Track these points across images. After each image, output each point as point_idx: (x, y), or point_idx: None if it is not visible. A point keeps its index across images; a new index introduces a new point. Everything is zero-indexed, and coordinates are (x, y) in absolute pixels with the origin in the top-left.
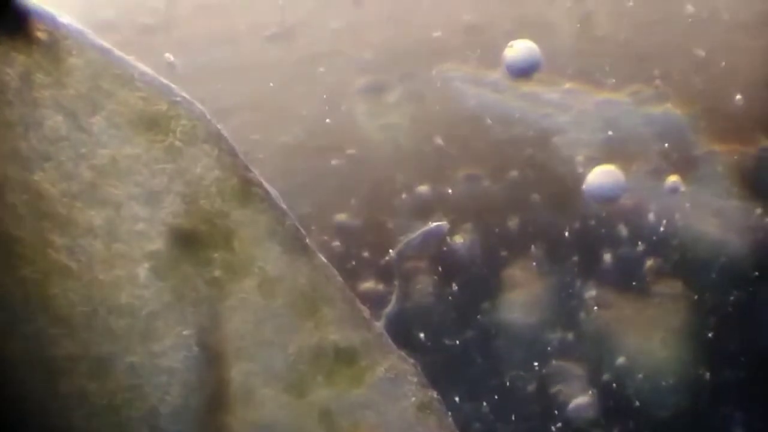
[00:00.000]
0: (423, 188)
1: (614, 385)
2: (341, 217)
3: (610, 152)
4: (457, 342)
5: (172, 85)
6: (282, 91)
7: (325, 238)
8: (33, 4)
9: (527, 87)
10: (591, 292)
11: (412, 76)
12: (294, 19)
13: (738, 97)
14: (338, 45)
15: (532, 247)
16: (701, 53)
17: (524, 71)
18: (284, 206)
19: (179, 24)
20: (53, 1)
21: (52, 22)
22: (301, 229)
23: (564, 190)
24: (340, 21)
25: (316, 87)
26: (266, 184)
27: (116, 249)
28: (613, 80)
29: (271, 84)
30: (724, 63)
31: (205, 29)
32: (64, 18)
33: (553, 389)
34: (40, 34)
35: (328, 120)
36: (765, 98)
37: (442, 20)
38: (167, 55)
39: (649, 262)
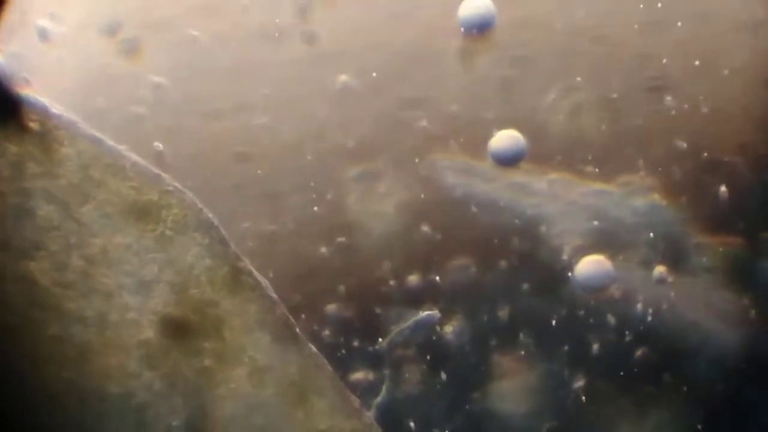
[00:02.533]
0: (412, 277)
1: None
2: (331, 306)
3: (598, 242)
4: (448, 431)
5: (163, 174)
6: (269, 178)
7: (315, 327)
8: (25, 93)
9: (515, 176)
10: (580, 382)
11: (400, 165)
12: (278, 101)
13: (723, 189)
14: (324, 132)
15: (521, 335)
16: (683, 144)
17: (510, 160)
18: (274, 295)
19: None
20: (45, 89)
21: (43, 112)
22: (291, 319)
23: (552, 279)
24: (326, 109)
25: (303, 175)
26: (256, 273)
27: (108, 338)
28: (600, 170)
29: (259, 171)
30: (706, 154)
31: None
32: (56, 108)
33: None
34: (32, 124)
35: (316, 208)
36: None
37: (429, 110)
38: (156, 144)
39: (638, 352)
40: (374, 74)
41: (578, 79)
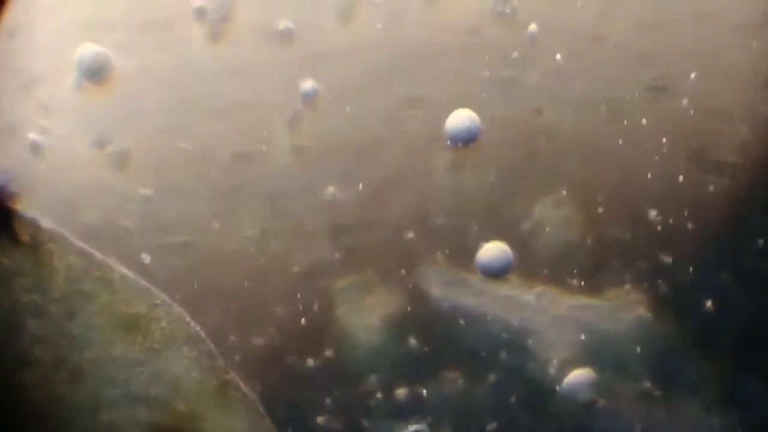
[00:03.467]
0: (400, 390)
1: None
2: (319, 419)
3: (585, 356)
4: None
5: (152, 288)
6: (257, 290)
7: None
8: (15, 208)
9: (503, 290)
10: None
11: (387, 277)
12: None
13: (708, 304)
14: (313, 244)
15: None
16: (669, 259)
17: (497, 273)
18: (262, 409)
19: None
20: (35, 202)
21: (34, 226)
22: None
23: (540, 393)
24: (314, 221)
25: (290, 287)
26: (243, 386)
27: None
28: (587, 284)
29: (246, 282)
30: (692, 269)
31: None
32: (46, 222)
33: None
34: (23, 238)
35: (303, 320)
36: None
37: (414, 222)
38: (143, 255)
39: None
40: (361, 186)
41: (564, 192)
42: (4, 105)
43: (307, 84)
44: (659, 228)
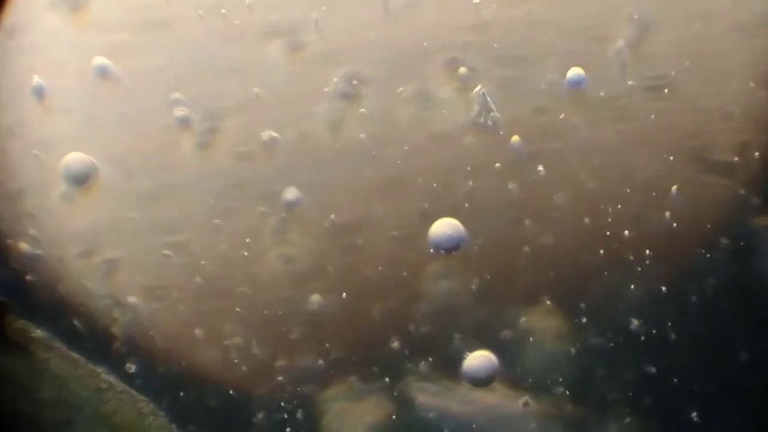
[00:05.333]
0: None
1: None
2: None
3: None
4: None
5: (140, 396)
6: (239, 400)
7: None
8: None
9: (489, 399)
10: None
11: (371, 386)
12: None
13: (694, 414)
14: (297, 352)
15: None
16: (652, 369)
17: (483, 381)
18: None
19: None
20: (24, 309)
21: (25, 332)
22: None
23: None
24: (299, 330)
25: (274, 395)
26: None
27: None
28: (573, 394)
29: (231, 392)
30: (677, 380)
31: None
32: (35, 329)
33: None
34: (14, 343)
35: (288, 429)
36: None
37: (400, 330)
38: (128, 365)
39: None
40: (344, 295)
41: (548, 302)
42: None
43: (291, 193)
44: (643, 338)
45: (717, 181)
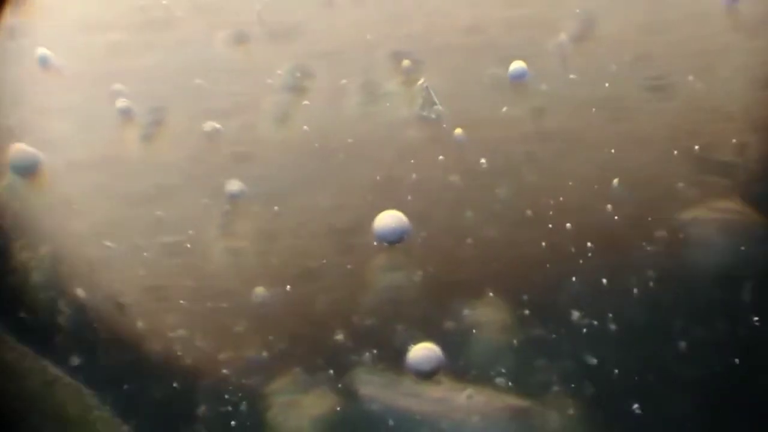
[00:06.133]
0: None
1: None
2: None
3: None
4: None
5: (86, 390)
6: (184, 393)
7: None
8: None
9: (434, 392)
10: None
11: (317, 378)
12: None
13: (636, 406)
14: (242, 345)
15: None
16: (594, 360)
17: (426, 374)
18: None
19: None
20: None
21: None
22: None
23: None
24: (244, 322)
25: (220, 388)
26: None
27: None
28: (515, 385)
29: (175, 383)
30: (617, 371)
31: None
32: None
33: None
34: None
35: (233, 422)
36: None
37: (345, 323)
38: (73, 357)
39: None
40: (288, 288)
41: (491, 294)
42: None
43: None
44: (584, 329)
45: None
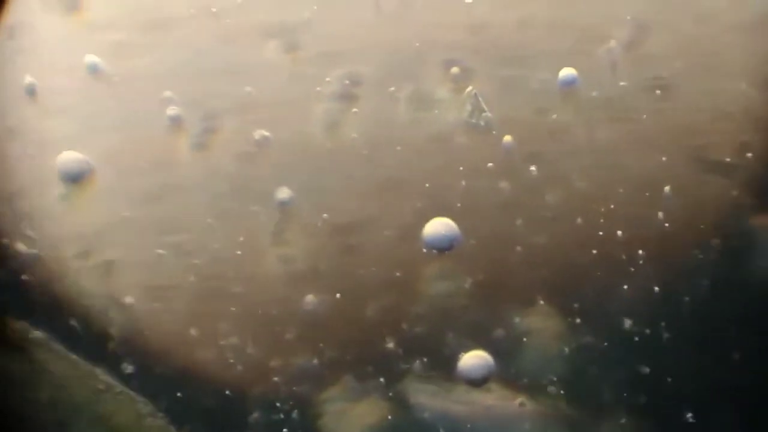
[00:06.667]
0: None
1: None
2: None
3: None
4: None
5: (138, 397)
6: (236, 399)
7: None
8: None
9: (485, 399)
10: None
11: (368, 386)
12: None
13: (689, 414)
14: (293, 355)
15: None
16: (646, 369)
17: (477, 381)
18: None
19: None
20: (22, 307)
21: (24, 333)
22: None
23: None
24: (294, 330)
25: (270, 396)
26: None
27: None
28: (567, 393)
29: (227, 392)
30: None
31: None
32: (34, 329)
33: None
34: (13, 343)
35: (285, 430)
36: None
37: (396, 330)
38: (125, 365)
39: None
40: (338, 295)
41: (541, 302)
42: None
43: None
44: (637, 338)
45: (717, 181)
